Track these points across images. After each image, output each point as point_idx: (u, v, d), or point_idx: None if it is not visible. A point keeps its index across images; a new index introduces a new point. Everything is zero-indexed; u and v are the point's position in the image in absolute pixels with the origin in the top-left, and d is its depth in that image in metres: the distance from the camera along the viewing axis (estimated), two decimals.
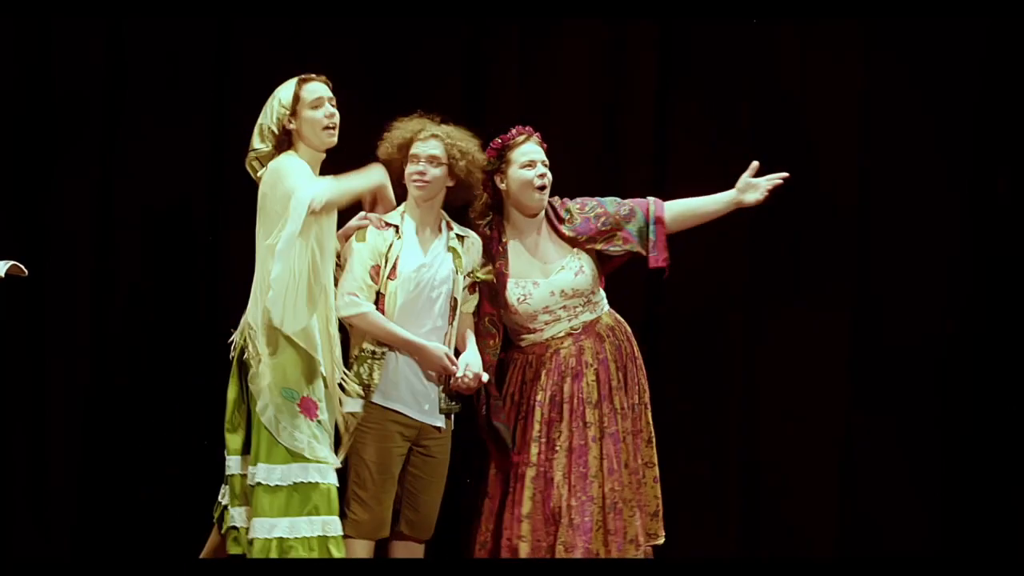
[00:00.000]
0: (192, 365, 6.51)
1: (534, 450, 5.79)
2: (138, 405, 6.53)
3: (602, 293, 5.94)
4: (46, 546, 6.44)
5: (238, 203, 5.92)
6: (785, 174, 5.86)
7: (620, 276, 6.03)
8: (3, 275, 5.10)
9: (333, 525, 5.39)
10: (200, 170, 6.56)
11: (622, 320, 5.94)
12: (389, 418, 5.66)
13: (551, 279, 5.84)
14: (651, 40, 6.73)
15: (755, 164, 5.87)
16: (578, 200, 5.94)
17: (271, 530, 5.33)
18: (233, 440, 5.48)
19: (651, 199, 5.91)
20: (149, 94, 6.51)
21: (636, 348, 5.93)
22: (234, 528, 5.50)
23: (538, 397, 5.82)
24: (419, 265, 5.69)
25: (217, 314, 6.35)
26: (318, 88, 5.48)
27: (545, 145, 5.88)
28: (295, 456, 5.35)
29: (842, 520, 6.77)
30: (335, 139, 5.50)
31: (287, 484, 5.33)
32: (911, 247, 6.75)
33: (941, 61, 6.74)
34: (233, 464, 5.50)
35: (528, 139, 5.86)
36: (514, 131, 5.87)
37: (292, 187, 5.29)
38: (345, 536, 5.51)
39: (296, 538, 5.32)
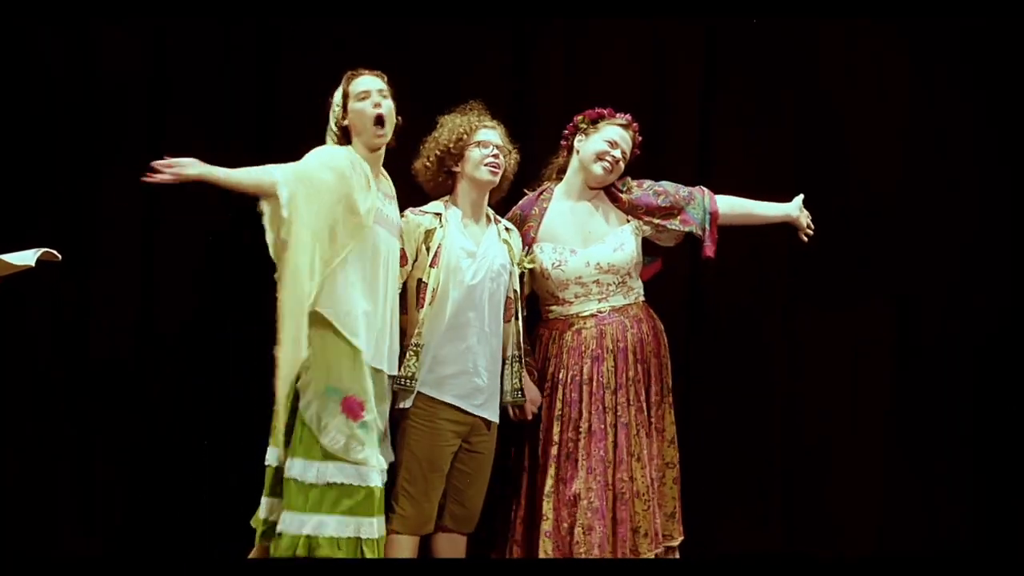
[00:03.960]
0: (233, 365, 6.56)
1: (556, 428, 5.77)
2: (178, 410, 6.61)
3: (640, 282, 5.93)
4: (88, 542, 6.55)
5: None
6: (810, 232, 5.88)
7: (662, 271, 6.05)
8: (34, 264, 5.00)
9: (370, 528, 5.29)
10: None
11: (654, 316, 5.91)
12: (441, 415, 5.61)
13: (588, 249, 5.83)
14: (695, 39, 6.75)
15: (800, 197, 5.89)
16: (638, 180, 5.93)
17: (300, 526, 5.23)
18: (276, 430, 5.36)
19: (705, 190, 5.91)
20: (194, 97, 6.57)
21: (663, 347, 5.88)
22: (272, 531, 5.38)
23: (560, 375, 5.80)
24: (468, 252, 5.61)
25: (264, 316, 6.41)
26: (364, 81, 5.46)
27: (640, 139, 5.91)
28: (332, 456, 5.27)
29: (883, 518, 6.78)
30: (384, 137, 5.44)
31: (321, 483, 5.25)
32: (952, 244, 6.76)
33: (983, 58, 6.74)
34: (271, 455, 5.39)
35: (627, 127, 5.88)
36: (620, 114, 5.89)
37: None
38: (390, 532, 5.47)
39: (324, 537, 5.23)
